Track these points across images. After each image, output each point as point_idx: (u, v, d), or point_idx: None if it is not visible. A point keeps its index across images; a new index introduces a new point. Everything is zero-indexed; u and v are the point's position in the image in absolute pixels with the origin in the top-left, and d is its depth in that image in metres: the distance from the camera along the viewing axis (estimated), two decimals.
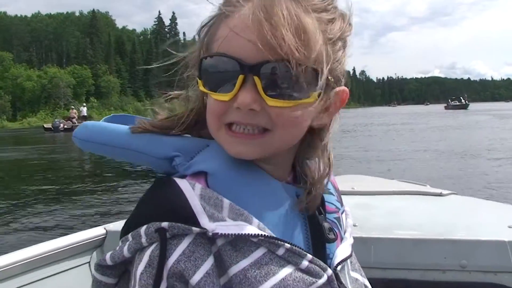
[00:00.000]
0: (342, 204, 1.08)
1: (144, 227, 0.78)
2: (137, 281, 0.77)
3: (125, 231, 0.83)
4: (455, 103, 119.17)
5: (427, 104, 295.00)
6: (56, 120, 55.77)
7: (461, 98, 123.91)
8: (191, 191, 0.81)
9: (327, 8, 0.87)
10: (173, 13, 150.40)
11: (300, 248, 0.84)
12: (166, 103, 1.01)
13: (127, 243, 0.80)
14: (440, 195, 2.56)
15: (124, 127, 0.99)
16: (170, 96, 1.01)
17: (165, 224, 0.76)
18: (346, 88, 0.94)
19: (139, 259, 0.78)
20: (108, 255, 0.83)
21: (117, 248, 0.82)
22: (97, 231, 2.10)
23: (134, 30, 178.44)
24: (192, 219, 0.77)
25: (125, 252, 0.81)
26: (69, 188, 14.93)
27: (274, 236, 0.80)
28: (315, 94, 0.83)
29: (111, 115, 1.07)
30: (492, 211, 2.45)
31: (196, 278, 0.75)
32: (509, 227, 1.95)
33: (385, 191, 2.65)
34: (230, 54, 0.81)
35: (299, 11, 0.80)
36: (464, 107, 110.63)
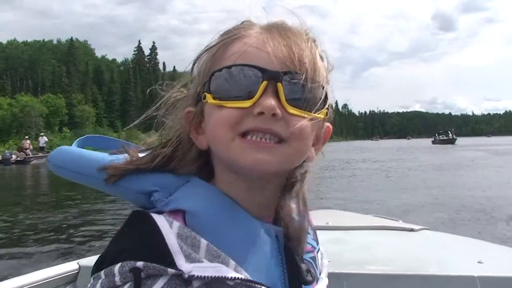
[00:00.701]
0: (317, 243, 1.08)
1: (118, 265, 0.75)
2: None
3: (97, 267, 0.79)
4: (442, 138, 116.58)
5: (409, 139, 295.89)
6: (6, 151, 49.10)
7: (449, 132, 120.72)
8: (169, 229, 0.80)
9: (316, 44, 0.92)
10: (153, 42, 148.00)
11: None
12: (143, 135, 0.99)
13: (100, 280, 0.76)
14: (412, 230, 2.65)
15: (101, 156, 0.98)
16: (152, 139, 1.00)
17: (140, 264, 0.73)
18: (329, 124, 0.98)
19: None
20: None
21: (89, 285, 0.79)
22: (69, 266, 2.05)
23: (114, 60, 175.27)
24: (169, 259, 0.75)
25: None
26: (38, 222, 13.89)
27: (251, 279, 0.79)
28: (324, 112, 0.87)
29: (85, 136, 1.05)
30: (462, 246, 2.53)
31: None
32: (479, 262, 2.00)
33: (358, 226, 2.72)
34: (250, 63, 0.83)
35: (309, 39, 0.87)
36: (452, 141, 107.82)
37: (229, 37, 0.89)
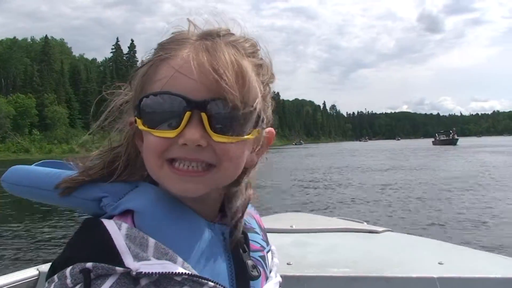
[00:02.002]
0: (268, 243, 1.11)
1: (70, 267, 0.77)
2: None
3: (52, 271, 0.81)
4: (443, 138, 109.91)
5: (398, 139, 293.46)
6: None
7: (450, 132, 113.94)
8: (117, 231, 0.82)
9: (255, 54, 0.94)
10: (132, 40, 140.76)
11: (223, 287, 0.86)
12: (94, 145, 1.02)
13: (53, 284, 0.79)
14: (375, 232, 2.67)
15: (52, 171, 1.00)
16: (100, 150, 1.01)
17: (89, 264, 0.76)
18: (272, 129, 1.01)
19: None
20: None
21: None
22: (29, 272, 2.02)
23: (94, 59, 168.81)
24: (117, 259, 0.78)
25: None
26: None
27: (197, 274, 0.82)
28: (255, 131, 0.89)
29: (42, 161, 1.06)
30: (424, 247, 2.53)
31: None
32: (439, 263, 2.04)
33: (322, 229, 2.73)
34: (175, 92, 0.84)
35: (237, 55, 0.87)
36: (452, 142, 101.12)
37: (159, 58, 0.89)
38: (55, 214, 16.19)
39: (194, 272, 0.83)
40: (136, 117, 0.89)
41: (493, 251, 2.62)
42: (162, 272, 0.78)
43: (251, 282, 0.95)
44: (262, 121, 0.91)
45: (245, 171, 0.98)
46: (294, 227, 2.71)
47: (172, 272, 0.79)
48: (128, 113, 0.97)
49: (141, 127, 0.88)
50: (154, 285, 0.79)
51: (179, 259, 0.83)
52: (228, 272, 0.92)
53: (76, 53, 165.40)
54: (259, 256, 1.03)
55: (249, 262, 0.96)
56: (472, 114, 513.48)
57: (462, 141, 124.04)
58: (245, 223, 1.02)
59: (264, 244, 1.08)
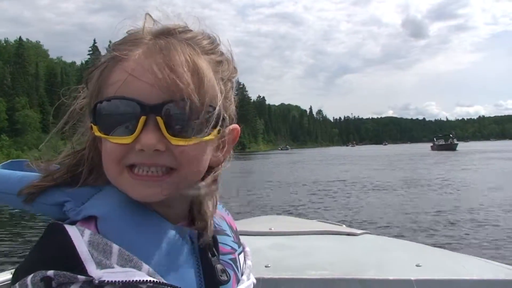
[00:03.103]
0: (239, 245, 1.09)
1: (31, 275, 0.75)
2: None
3: (14, 279, 0.79)
4: (441, 143, 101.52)
5: (385, 144, 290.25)
6: None
7: (450, 135, 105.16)
8: (79, 237, 0.80)
9: (214, 51, 0.92)
10: (110, 42, 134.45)
11: None
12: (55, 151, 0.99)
13: None
14: (353, 234, 2.67)
15: (18, 174, 0.96)
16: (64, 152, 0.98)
17: (50, 272, 0.73)
18: (237, 125, 0.99)
19: None
20: None
21: None
22: (2, 276, 2.00)
23: (73, 62, 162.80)
24: (79, 267, 0.76)
25: None
26: None
27: (164, 282, 0.80)
28: (215, 131, 0.86)
29: (9, 161, 1.03)
30: (402, 250, 2.53)
31: None
32: (417, 265, 2.05)
33: (301, 231, 2.73)
34: (128, 96, 0.81)
35: (193, 54, 0.84)
36: (452, 147, 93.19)
37: (113, 59, 0.86)
38: (29, 216, 15.95)
39: (161, 279, 0.80)
40: (91, 123, 0.86)
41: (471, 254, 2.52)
42: (125, 281, 0.75)
43: (221, 287, 0.94)
44: (223, 120, 0.88)
45: (211, 170, 0.96)
46: (273, 229, 2.69)
47: (137, 280, 0.76)
48: (88, 117, 0.92)
49: (97, 133, 0.86)
50: None
51: (144, 266, 0.80)
52: (196, 277, 0.90)
53: (54, 56, 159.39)
54: (230, 259, 1.01)
55: (218, 266, 0.94)
56: (458, 119, 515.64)
57: (462, 146, 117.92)
58: (214, 225, 0.99)
59: (235, 246, 1.06)
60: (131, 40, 0.87)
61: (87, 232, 0.81)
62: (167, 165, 0.84)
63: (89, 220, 0.85)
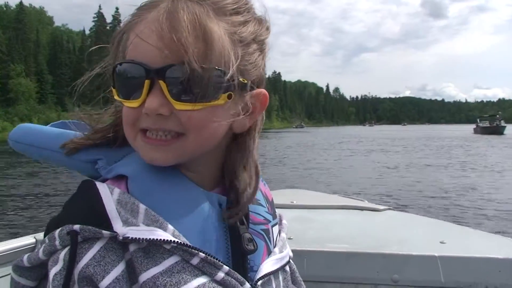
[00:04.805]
0: (274, 217, 1.07)
1: (59, 229, 0.78)
2: (50, 283, 0.77)
3: (45, 232, 0.83)
4: (485, 125, 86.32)
5: (404, 125, 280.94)
6: None
7: (497, 116, 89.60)
8: (109, 195, 0.82)
9: (238, 11, 0.89)
10: (117, 9, 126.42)
11: (216, 259, 0.83)
12: (94, 115, 1.00)
13: (43, 245, 0.80)
14: (376, 210, 2.67)
15: (56, 131, 1.01)
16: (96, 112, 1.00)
17: (76, 226, 0.76)
18: (264, 90, 0.93)
19: (53, 262, 0.78)
20: (25, 257, 0.84)
21: (35, 250, 0.83)
22: (26, 240, 1.97)
23: (81, 31, 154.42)
24: (106, 223, 0.78)
25: (40, 254, 0.81)
26: None
27: (188, 244, 0.80)
28: (224, 96, 0.83)
29: (60, 121, 1.06)
30: (426, 226, 2.52)
31: (104, 283, 0.75)
32: (441, 242, 2.04)
33: (323, 205, 2.74)
34: (137, 60, 0.82)
35: (203, 15, 0.82)
36: (498, 131, 78.70)
37: (129, 22, 0.87)
38: (55, 181, 17.63)
39: (185, 240, 0.81)
40: (112, 87, 0.88)
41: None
42: (149, 239, 0.77)
43: (251, 258, 0.92)
44: (239, 85, 0.85)
45: (242, 138, 0.95)
46: (295, 202, 2.70)
47: (161, 239, 0.77)
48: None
49: (116, 97, 0.88)
50: (143, 252, 0.78)
51: (170, 227, 0.81)
52: (223, 244, 0.89)
53: (59, 23, 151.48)
54: (262, 229, 0.98)
55: (246, 235, 0.92)
56: (477, 101, 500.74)
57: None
58: (247, 195, 0.96)
59: (269, 217, 1.03)
60: (152, 2, 0.86)
61: (117, 190, 0.83)
62: (173, 130, 0.83)
63: (121, 179, 0.87)
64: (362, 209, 2.68)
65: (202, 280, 0.80)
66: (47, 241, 0.80)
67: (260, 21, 0.93)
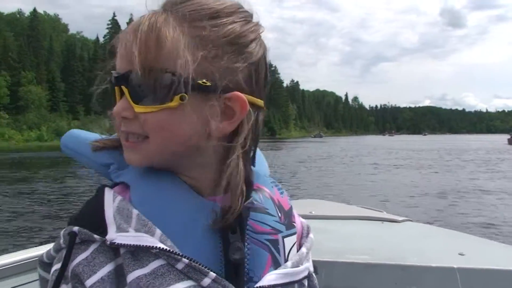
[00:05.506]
0: (289, 228, 1.02)
1: (64, 229, 0.85)
2: (51, 277, 0.83)
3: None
4: None
5: (425, 135, 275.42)
6: None
7: None
8: (111, 202, 0.86)
9: (211, 15, 0.88)
10: (131, 15, 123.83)
11: (201, 265, 0.83)
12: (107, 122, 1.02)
13: (55, 243, 0.87)
14: (395, 221, 2.64)
15: (91, 135, 1.08)
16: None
17: (76, 228, 0.82)
18: (239, 94, 0.89)
19: (58, 258, 0.84)
20: (45, 252, 0.90)
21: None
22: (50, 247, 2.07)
23: (96, 39, 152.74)
24: (102, 228, 0.82)
25: (52, 251, 0.87)
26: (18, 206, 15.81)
27: (173, 250, 0.82)
28: (177, 98, 0.84)
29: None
30: (445, 238, 2.50)
31: (89, 282, 0.79)
32: (460, 254, 2.03)
33: (341, 216, 2.72)
34: (116, 69, 0.88)
35: (160, 23, 0.84)
36: None
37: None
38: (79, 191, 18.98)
39: (173, 246, 0.82)
40: None
41: None
42: (134, 245, 0.80)
43: (250, 267, 0.90)
44: (199, 87, 0.84)
45: (227, 143, 0.92)
46: (313, 213, 2.69)
47: (145, 246, 0.80)
48: None
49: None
50: (131, 254, 0.81)
51: (158, 232, 0.83)
52: (214, 251, 0.88)
53: (74, 31, 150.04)
54: (266, 239, 0.95)
55: (235, 244, 0.89)
56: (498, 111, 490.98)
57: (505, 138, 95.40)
58: (252, 202, 0.95)
59: (280, 227, 0.99)
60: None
61: (118, 198, 0.87)
62: (137, 133, 0.87)
63: (126, 185, 0.91)
64: (380, 220, 2.64)
65: (186, 284, 0.81)
66: (59, 237, 0.86)
67: (245, 23, 0.92)
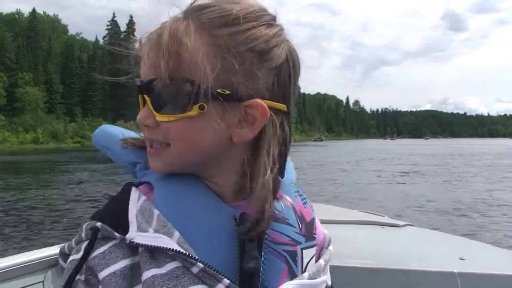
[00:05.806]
0: (309, 240, 1.00)
1: (86, 223, 0.86)
2: (67, 267, 0.85)
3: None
4: None
5: (426, 139, 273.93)
6: None
7: None
8: (136, 201, 0.88)
9: (230, 22, 0.87)
10: (131, 17, 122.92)
11: (216, 271, 0.83)
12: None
13: (76, 235, 0.88)
14: (396, 226, 2.69)
15: (124, 132, 1.09)
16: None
17: (98, 224, 0.83)
18: (260, 101, 0.88)
19: (76, 249, 0.86)
20: (66, 244, 0.92)
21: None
22: (53, 250, 1.99)
23: (97, 41, 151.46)
24: (124, 227, 0.84)
25: (73, 243, 0.88)
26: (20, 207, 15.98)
27: (189, 254, 0.82)
28: (196, 107, 0.84)
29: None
30: (445, 242, 2.55)
31: (102, 274, 0.80)
32: (460, 259, 2.05)
33: (343, 220, 2.77)
34: (140, 76, 0.89)
35: (181, 31, 0.84)
36: None
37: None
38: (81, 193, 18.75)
39: (190, 249, 0.83)
40: None
41: None
42: (150, 245, 0.81)
43: (266, 277, 0.89)
44: (219, 96, 0.84)
45: (251, 151, 0.92)
46: None
47: (162, 247, 0.81)
48: None
49: None
50: (149, 253, 0.82)
51: (176, 234, 0.83)
52: (230, 258, 0.87)
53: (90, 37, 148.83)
54: (284, 250, 0.94)
55: (251, 252, 0.89)
56: (500, 115, 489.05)
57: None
58: (274, 211, 0.93)
59: (299, 238, 0.98)
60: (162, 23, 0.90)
61: (142, 198, 0.89)
62: (159, 140, 0.88)
63: (151, 185, 0.93)
64: (382, 224, 2.67)
65: None
66: (80, 231, 0.87)
67: (268, 28, 0.91)
